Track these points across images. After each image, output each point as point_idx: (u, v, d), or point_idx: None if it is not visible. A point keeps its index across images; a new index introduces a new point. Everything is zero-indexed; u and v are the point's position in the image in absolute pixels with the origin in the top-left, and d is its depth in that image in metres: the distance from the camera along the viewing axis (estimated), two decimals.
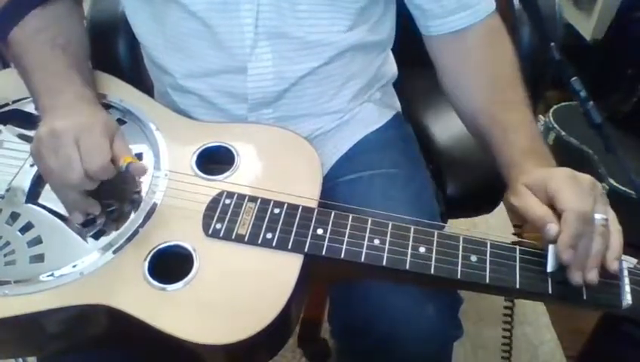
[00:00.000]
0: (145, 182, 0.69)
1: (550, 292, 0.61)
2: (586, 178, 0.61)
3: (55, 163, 0.61)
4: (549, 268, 0.60)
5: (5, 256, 0.64)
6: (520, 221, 0.62)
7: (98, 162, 0.61)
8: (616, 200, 1.67)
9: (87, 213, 0.66)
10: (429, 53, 0.79)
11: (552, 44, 0.74)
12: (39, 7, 0.72)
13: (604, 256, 0.59)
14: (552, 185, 0.60)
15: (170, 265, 0.63)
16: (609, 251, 0.59)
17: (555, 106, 1.79)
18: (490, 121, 0.72)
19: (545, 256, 0.61)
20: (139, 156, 0.72)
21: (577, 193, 0.59)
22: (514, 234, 0.68)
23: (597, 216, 0.59)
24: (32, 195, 0.69)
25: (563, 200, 0.58)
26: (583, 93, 0.71)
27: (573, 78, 0.72)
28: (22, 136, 0.74)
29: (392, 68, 0.92)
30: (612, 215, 0.61)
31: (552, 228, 0.58)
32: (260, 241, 0.64)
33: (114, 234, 0.65)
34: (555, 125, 1.74)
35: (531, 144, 0.69)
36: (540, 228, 0.59)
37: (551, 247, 0.60)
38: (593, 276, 0.58)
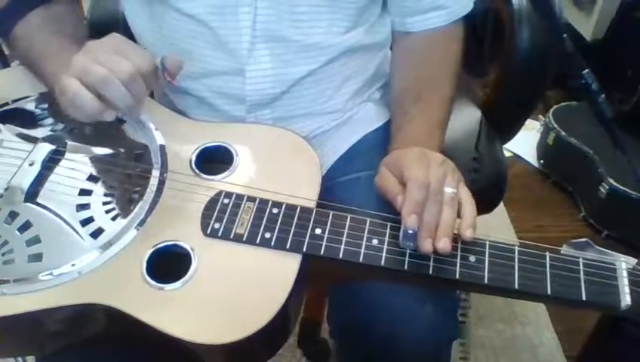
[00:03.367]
0: (144, 181, 0.70)
1: (549, 292, 0.61)
2: (435, 155, 0.65)
3: (101, 66, 0.59)
4: (400, 240, 0.62)
5: (4, 254, 0.64)
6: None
7: (148, 57, 0.61)
8: (616, 200, 1.68)
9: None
10: (395, 44, 0.84)
11: (565, 35, 0.74)
12: (42, 6, 0.72)
13: (457, 226, 0.61)
14: (402, 161, 0.64)
15: (169, 264, 0.63)
16: (462, 221, 0.62)
17: (555, 106, 1.79)
18: (398, 107, 0.79)
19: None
20: (139, 155, 0.72)
21: (421, 166, 0.62)
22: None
23: (446, 188, 0.62)
24: (31, 194, 0.69)
25: (407, 173, 0.62)
26: (594, 86, 0.72)
27: (586, 71, 0.72)
28: (21, 136, 0.74)
29: None
30: (465, 190, 0.64)
31: (399, 199, 0.62)
32: (258, 241, 0.64)
33: (112, 233, 0.65)
34: (555, 125, 1.74)
35: (417, 134, 0.73)
36: (393, 203, 0.63)
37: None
38: (443, 245, 0.60)
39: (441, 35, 0.79)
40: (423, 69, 0.80)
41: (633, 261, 0.63)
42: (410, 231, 0.61)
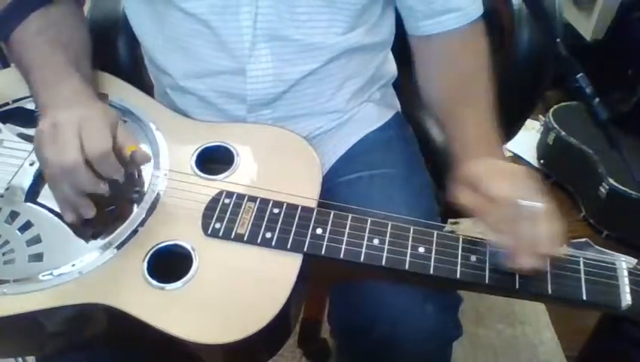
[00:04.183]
0: (144, 181, 0.70)
1: (549, 292, 0.61)
2: (519, 168, 0.63)
3: (52, 150, 0.61)
4: (488, 257, 0.61)
5: (4, 254, 0.64)
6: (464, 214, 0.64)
7: (99, 147, 0.61)
8: (616, 200, 1.67)
9: (80, 215, 0.65)
10: (413, 51, 0.82)
11: (558, 40, 0.74)
12: (42, 8, 0.72)
13: (545, 243, 0.59)
14: (481, 175, 0.62)
15: (170, 264, 0.63)
16: (549, 238, 0.59)
17: (555, 106, 1.79)
18: (448, 116, 0.77)
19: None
20: None
21: (505, 180, 0.60)
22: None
23: (531, 203, 0.59)
24: (32, 194, 0.69)
25: (491, 188, 0.60)
26: (589, 90, 0.72)
27: (580, 74, 0.72)
28: (22, 135, 0.74)
29: (392, 67, 0.92)
30: (549, 204, 0.61)
31: (485, 216, 0.60)
32: (259, 241, 0.64)
33: (113, 233, 0.65)
34: (555, 125, 1.74)
35: (480, 142, 0.72)
36: (477, 218, 0.61)
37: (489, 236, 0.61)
38: (534, 261, 0.58)
39: (466, 34, 0.78)
40: (456, 73, 0.78)
41: (633, 261, 0.63)
42: (502, 251, 0.59)
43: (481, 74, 0.78)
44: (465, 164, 0.66)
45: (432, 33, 0.78)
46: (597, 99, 0.71)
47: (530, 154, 1.89)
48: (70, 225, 0.66)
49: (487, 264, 0.62)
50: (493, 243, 0.60)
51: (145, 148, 0.73)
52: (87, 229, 0.66)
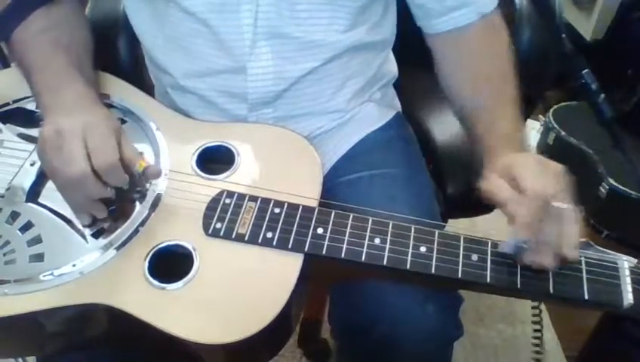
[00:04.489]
0: (146, 181, 0.69)
1: (551, 292, 0.61)
2: (554, 165, 0.62)
3: (58, 160, 0.61)
4: (505, 249, 0.61)
5: (5, 255, 0.64)
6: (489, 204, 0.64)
7: (106, 158, 0.61)
8: (616, 200, 1.67)
9: (93, 216, 0.66)
10: (431, 49, 0.80)
11: (564, 35, 0.74)
12: (43, 7, 0.72)
13: (564, 244, 0.59)
14: (517, 167, 0.61)
15: (171, 264, 0.63)
16: (569, 239, 0.59)
17: (555, 106, 1.79)
18: (479, 110, 0.75)
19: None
20: (140, 155, 0.72)
21: (540, 176, 0.60)
22: None
23: (559, 204, 0.59)
24: (33, 194, 0.69)
25: (525, 181, 0.59)
26: (594, 86, 0.71)
27: (585, 70, 0.71)
28: (22, 136, 0.74)
29: (392, 68, 0.92)
30: (573, 207, 0.61)
31: (514, 207, 0.59)
32: (260, 241, 0.64)
33: (114, 233, 0.65)
34: (555, 125, 1.74)
35: (512, 133, 0.71)
36: (504, 209, 0.60)
37: (512, 229, 0.60)
38: (551, 261, 0.58)
39: (483, 28, 0.77)
40: (478, 70, 0.77)
41: (634, 261, 0.63)
42: (522, 245, 0.59)
43: (507, 66, 0.76)
44: (501, 156, 0.66)
45: (446, 30, 0.77)
46: (602, 96, 0.71)
47: None
48: (71, 225, 0.66)
49: (513, 258, 0.61)
50: (515, 235, 0.59)
51: (145, 147, 0.73)
52: (87, 229, 0.66)
